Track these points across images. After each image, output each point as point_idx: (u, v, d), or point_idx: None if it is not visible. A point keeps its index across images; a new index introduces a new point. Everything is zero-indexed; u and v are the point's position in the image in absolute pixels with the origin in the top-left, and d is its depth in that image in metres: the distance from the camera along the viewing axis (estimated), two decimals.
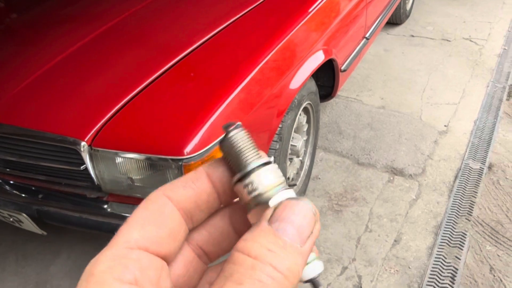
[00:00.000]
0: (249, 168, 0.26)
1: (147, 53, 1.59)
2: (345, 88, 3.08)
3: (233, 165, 0.28)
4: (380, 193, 2.24)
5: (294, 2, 1.85)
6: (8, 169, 1.57)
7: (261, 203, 0.26)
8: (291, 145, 1.92)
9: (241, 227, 0.29)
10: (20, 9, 2.08)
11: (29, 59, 1.64)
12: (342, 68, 2.18)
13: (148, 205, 0.26)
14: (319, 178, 2.35)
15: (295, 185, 2.13)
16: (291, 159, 2.03)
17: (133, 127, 1.32)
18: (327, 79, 2.21)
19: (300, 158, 2.13)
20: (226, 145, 0.28)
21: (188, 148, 1.25)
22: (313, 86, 1.97)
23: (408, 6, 4.01)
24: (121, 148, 1.28)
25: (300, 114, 1.94)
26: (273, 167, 0.27)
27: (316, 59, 1.78)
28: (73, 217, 1.47)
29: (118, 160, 1.29)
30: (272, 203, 0.25)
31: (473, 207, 2.13)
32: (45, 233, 1.61)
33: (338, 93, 2.37)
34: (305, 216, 0.24)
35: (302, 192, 2.18)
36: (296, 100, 1.76)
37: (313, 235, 0.24)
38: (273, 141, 1.68)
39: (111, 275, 0.22)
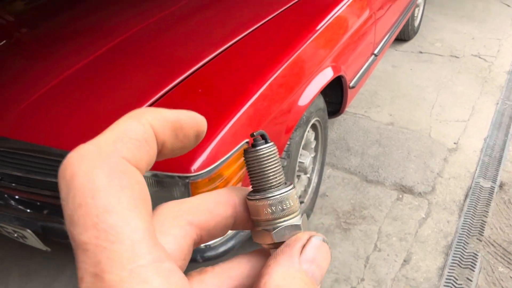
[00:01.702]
0: (279, 191, 0.26)
1: (156, 68, 1.58)
2: (353, 104, 3.07)
3: (255, 176, 0.26)
4: (389, 211, 2.20)
5: (303, 19, 1.84)
6: (14, 184, 1.56)
7: (270, 227, 0.25)
8: (299, 162, 1.89)
9: (243, 222, 0.27)
10: (30, 24, 2.09)
11: (38, 74, 1.64)
12: (351, 84, 2.16)
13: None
14: (327, 196, 2.32)
15: (302, 202, 2.10)
16: (298, 176, 2.00)
17: None
18: (335, 96, 2.19)
19: (308, 175, 2.10)
20: (253, 156, 0.26)
21: (195, 166, 1.23)
22: (321, 102, 1.95)
23: (416, 23, 4.01)
24: None
25: (308, 131, 1.93)
26: (295, 192, 0.27)
27: (325, 76, 1.77)
28: None
29: None
30: (286, 233, 0.25)
31: (484, 227, 2.09)
32: (49, 249, 1.60)
33: (346, 109, 2.36)
34: (328, 260, 0.24)
35: (309, 210, 2.15)
36: (304, 117, 1.74)
37: None
38: (281, 158, 1.66)
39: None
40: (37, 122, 1.44)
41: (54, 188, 1.48)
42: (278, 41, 1.71)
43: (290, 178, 1.77)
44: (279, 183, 0.26)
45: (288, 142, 1.67)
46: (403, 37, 3.90)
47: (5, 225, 1.53)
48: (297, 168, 1.86)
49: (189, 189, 1.25)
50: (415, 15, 3.90)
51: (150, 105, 1.38)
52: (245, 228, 0.27)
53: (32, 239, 1.53)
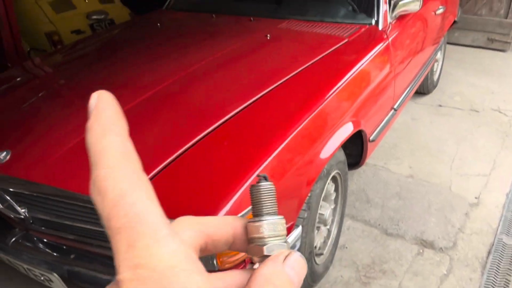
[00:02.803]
0: (273, 217, 0.34)
1: (183, 121, 1.66)
2: (373, 156, 3.10)
3: (257, 205, 0.34)
4: (409, 266, 2.18)
5: (326, 74, 1.92)
6: (43, 228, 1.62)
7: (262, 243, 0.32)
8: (319, 213, 1.92)
9: (240, 243, 0.34)
10: (68, 75, 2.22)
11: (72, 124, 1.73)
12: (371, 138, 2.21)
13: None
14: (346, 248, 2.31)
15: (321, 254, 2.10)
16: (318, 228, 2.02)
17: (165, 194, 1.36)
18: (355, 148, 2.24)
19: (328, 227, 2.11)
20: (256, 190, 0.35)
21: (219, 216, 1.27)
22: (341, 155, 2.00)
23: (436, 77, 4.09)
24: None
25: (328, 183, 1.96)
26: (284, 222, 0.35)
27: (346, 130, 1.82)
28: (103, 279, 1.48)
29: None
30: (274, 248, 0.32)
31: (508, 286, 2.04)
32: None
33: (366, 161, 2.39)
34: (304, 271, 0.31)
35: (329, 262, 2.15)
36: (325, 170, 1.78)
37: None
38: (302, 209, 1.69)
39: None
40: (68, 169, 1.51)
41: (82, 233, 1.54)
42: (301, 95, 1.78)
43: (310, 230, 1.78)
44: (273, 212, 0.34)
45: (309, 194, 1.70)
46: (422, 91, 3.96)
47: (32, 267, 1.58)
48: (317, 220, 1.88)
49: None
50: (434, 69, 3.98)
51: (175, 158, 1.44)
52: (241, 250, 0.35)
53: (57, 283, 1.57)
